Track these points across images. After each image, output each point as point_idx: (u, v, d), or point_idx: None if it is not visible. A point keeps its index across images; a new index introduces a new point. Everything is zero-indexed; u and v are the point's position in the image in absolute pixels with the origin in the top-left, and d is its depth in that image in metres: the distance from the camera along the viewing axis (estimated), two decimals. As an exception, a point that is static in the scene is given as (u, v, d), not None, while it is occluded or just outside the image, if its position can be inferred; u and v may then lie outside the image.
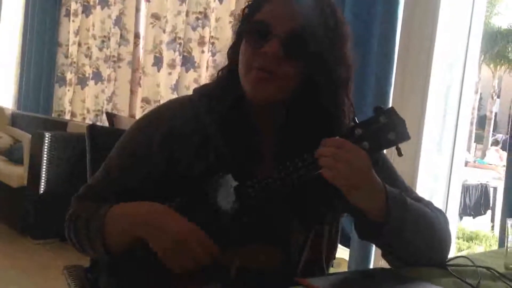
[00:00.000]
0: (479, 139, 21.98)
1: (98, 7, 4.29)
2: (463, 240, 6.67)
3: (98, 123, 4.15)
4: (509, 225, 1.15)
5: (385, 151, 1.02)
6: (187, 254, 0.96)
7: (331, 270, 1.13)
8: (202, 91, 1.11)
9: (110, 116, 3.56)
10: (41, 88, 4.83)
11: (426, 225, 1.02)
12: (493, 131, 22.31)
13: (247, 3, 1.08)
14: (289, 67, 0.99)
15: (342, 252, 2.33)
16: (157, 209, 1.01)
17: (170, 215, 0.99)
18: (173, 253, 0.97)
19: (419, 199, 1.11)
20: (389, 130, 0.92)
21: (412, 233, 0.99)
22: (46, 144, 3.46)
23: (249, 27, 1.04)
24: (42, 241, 3.50)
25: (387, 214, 0.95)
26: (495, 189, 7.72)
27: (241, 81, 1.03)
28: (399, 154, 0.94)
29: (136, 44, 3.91)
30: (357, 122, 0.94)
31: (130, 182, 1.08)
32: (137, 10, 3.91)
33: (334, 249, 1.12)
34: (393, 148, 0.94)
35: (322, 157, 0.91)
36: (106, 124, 3.64)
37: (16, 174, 3.69)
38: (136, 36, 3.91)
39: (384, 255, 1.09)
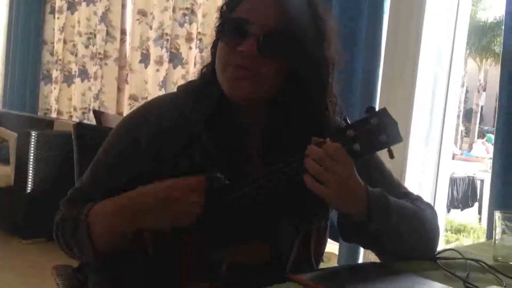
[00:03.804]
0: (466, 132, 22.17)
1: (83, 4, 4.24)
2: (451, 233, 6.74)
3: (85, 121, 4.12)
4: (496, 217, 1.16)
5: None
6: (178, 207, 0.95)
7: (322, 264, 1.13)
8: (187, 89, 1.11)
9: (97, 114, 3.52)
10: (27, 86, 4.77)
11: (411, 223, 1.02)
12: (479, 124, 22.49)
13: (225, 1, 1.07)
14: (267, 66, 0.98)
15: (332, 247, 2.34)
16: (136, 192, 0.99)
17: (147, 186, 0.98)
18: (166, 208, 0.95)
19: (408, 194, 1.11)
20: (381, 132, 0.90)
21: (397, 232, 0.99)
22: (33, 143, 3.43)
23: (226, 25, 1.03)
24: (31, 240, 3.46)
25: (369, 217, 0.95)
26: (482, 181, 7.78)
27: (218, 79, 1.03)
28: (391, 156, 0.92)
29: (122, 41, 3.88)
30: (349, 122, 0.93)
31: (118, 182, 1.06)
32: (123, 6, 3.88)
33: (323, 245, 1.12)
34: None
35: (313, 170, 0.91)
36: (94, 122, 3.61)
37: (3, 174, 3.64)
38: (123, 32, 3.88)
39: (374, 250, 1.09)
